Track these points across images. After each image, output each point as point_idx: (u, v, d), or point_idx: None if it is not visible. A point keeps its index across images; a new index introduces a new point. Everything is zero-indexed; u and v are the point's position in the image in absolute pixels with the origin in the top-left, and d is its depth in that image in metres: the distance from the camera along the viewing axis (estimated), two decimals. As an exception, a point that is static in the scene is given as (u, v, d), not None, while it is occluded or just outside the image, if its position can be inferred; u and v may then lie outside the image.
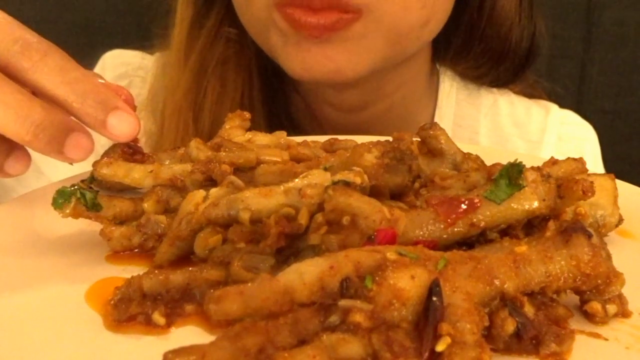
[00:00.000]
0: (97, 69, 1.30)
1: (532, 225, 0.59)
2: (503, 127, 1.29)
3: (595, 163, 1.33)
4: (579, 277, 0.51)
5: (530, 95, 1.35)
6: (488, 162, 0.69)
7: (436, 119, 1.26)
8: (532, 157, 0.80)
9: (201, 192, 0.61)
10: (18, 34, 0.63)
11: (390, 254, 0.48)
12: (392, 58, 1.04)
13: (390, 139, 0.65)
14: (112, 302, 0.53)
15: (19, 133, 0.61)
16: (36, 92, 0.64)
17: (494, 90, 1.31)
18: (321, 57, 0.97)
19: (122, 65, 1.30)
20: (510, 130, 1.28)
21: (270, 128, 0.87)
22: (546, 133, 1.28)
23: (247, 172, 0.67)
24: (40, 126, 0.61)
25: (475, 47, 1.20)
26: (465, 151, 0.71)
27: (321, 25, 0.93)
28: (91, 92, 0.64)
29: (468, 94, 1.29)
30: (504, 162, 0.60)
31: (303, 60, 0.98)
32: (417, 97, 1.24)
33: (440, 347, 0.44)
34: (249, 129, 0.79)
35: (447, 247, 0.55)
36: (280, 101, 1.19)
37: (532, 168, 0.59)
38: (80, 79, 0.64)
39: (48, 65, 0.63)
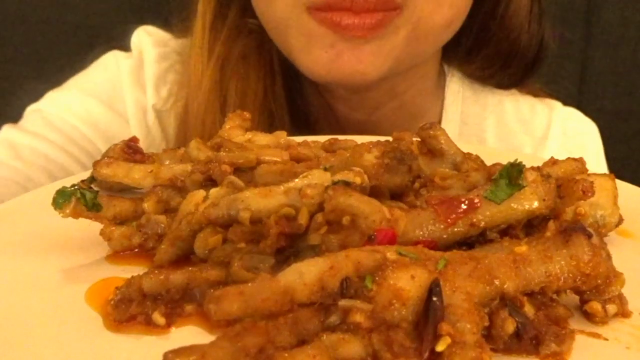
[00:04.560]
0: (133, 46, 1.24)
1: (532, 225, 0.59)
2: (508, 124, 1.30)
3: (598, 158, 1.34)
4: (579, 277, 0.51)
5: (536, 96, 1.37)
6: (489, 162, 0.69)
7: (444, 118, 1.28)
8: (533, 157, 0.80)
9: (201, 192, 0.61)
10: None
11: (390, 254, 0.48)
12: (409, 58, 1.04)
13: (390, 139, 0.65)
14: (112, 302, 0.53)
15: None
16: None
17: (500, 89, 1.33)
18: (353, 59, 0.96)
19: (160, 45, 1.25)
20: (515, 127, 1.30)
21: (294, 124, 0.86)
22: (551, 129, 1.30)
23: (247, 172, 0.67)
24: None
25: (484, 50, 1.22)
26: (465, 151, 0.71)
27: (367, 25, 0.92)
28: None
29: (474, 93, 1.31)
30: (504, 162, 0.60)
31: (331, 61, 0.96)
32: (426, 96, 1.26)
33: (440, 347, 0.44)
34: (273, 125, 0.78)
35: (447, 247, 0.55)
36: (300, 98, 1.19)
37: (532, 168, 0.59)
38: None
39: None
